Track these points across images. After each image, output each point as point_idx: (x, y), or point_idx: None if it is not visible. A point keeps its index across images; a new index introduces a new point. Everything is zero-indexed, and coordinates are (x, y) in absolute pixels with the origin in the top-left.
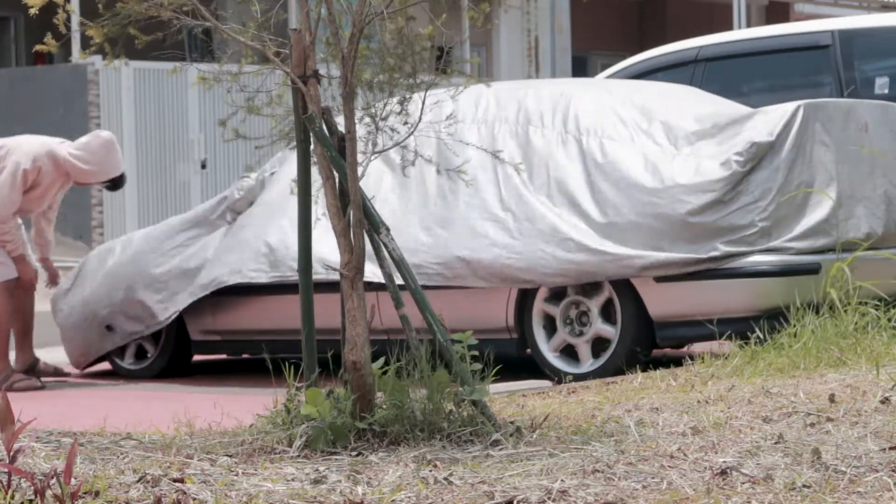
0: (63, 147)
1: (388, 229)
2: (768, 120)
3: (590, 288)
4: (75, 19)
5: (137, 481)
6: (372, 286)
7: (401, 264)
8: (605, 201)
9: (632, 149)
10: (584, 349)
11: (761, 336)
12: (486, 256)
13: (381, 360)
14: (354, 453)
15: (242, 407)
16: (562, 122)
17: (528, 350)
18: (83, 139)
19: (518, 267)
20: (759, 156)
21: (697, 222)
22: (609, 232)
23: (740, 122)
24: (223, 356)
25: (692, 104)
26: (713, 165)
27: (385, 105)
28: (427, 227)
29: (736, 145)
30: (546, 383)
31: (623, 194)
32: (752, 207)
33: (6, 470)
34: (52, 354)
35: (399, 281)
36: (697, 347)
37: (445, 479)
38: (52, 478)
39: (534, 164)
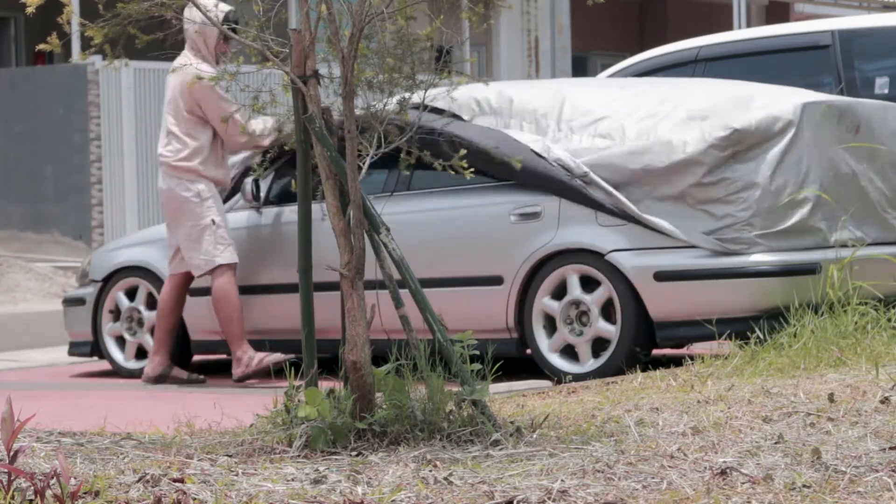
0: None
1: (388, 229)
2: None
3: (590, 287)
4: (75, 19)
5: (137, 481)
6: (372, 285)
7: (401, 264)
8: None
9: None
10: (584, 349)
11: (761, 336)
12: None
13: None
14: (354, 453)
15: (242, 407)
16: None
17: (528, 350)
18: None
19: None
20: (743, 144)
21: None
22: None
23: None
24: (223, 356)
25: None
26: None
27: (385, 105)
28: None
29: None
30: (546, 383)
31: None
32: (733, 198)
33: (6, 470)
34: (49, 355)
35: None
36: (697, 347)
37: (445, 479)
38: (52, 478)
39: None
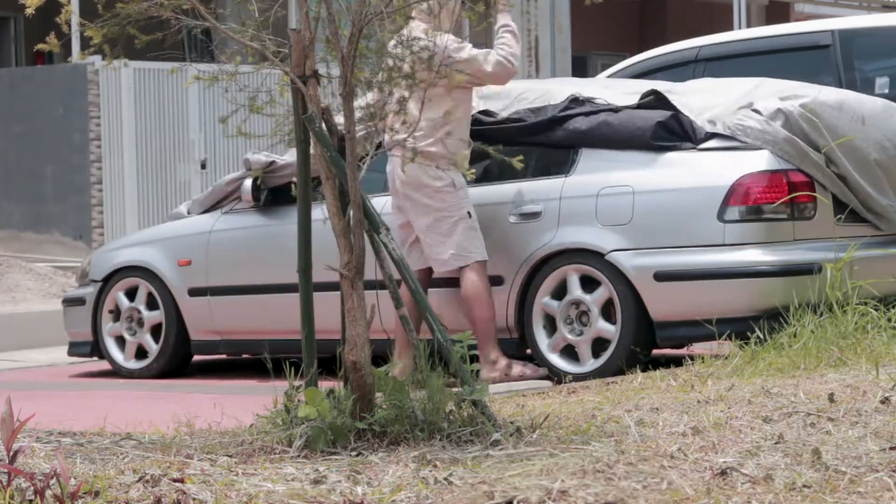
0: None
1: (387, 229)
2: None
3: (590, 287)
4: (75, 19)
5: (137, 481)
6: (372, 285)
7: (400, 264)
8: None
9: None
10: (584, 349)
11: (761, 336)
12: None
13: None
14: (354, 453)
15: (242, 407)
16: None
17: (529, 350)
18: None
19: None
20: None
21: None
22: None
23: None
24: (223, 356)
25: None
26: None
27: (385, 105)
28: None
29: None
30: (546, 383)
31: None
32: None
33: (6, 470)
34: (49, 355)
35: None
36: (697, 347)
37: (445, 479)
38: (52, 478)
39: None
